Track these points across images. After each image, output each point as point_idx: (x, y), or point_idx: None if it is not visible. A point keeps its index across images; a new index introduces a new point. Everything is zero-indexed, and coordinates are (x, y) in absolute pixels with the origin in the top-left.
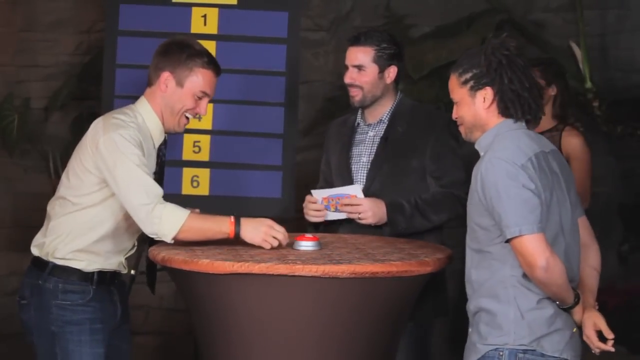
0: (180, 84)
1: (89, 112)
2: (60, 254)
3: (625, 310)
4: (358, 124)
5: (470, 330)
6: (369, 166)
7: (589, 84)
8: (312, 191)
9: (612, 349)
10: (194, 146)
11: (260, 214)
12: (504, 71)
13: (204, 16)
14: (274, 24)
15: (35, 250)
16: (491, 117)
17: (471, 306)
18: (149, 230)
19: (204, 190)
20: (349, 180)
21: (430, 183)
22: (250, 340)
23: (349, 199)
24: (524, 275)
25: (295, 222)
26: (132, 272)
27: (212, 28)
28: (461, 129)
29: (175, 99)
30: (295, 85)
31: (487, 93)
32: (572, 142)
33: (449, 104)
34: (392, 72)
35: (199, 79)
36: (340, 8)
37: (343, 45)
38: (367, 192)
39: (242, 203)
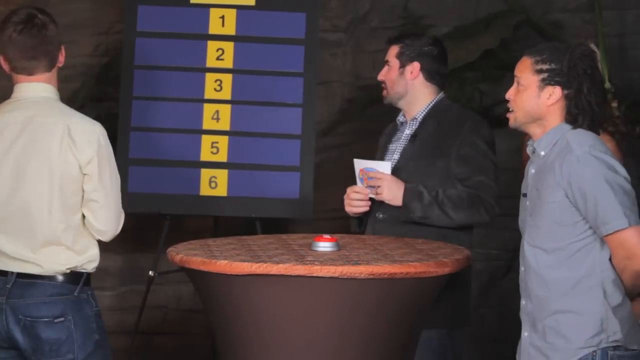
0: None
1: (107, 113)
2: (94, 263)
3: None
4: (401, 122)
5: (525, 334)
6: (395, 163)
7: (607, 85)
8: (355, 160)
9: None
10: (212, 147)
11: (277, 214)
12: (586, 80)
13: (222, 17)
14: (291, 24)
15: (62, 269)
16: (550, 115)
17: (546, 308)
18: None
19: (222, 191)
20: None
21: (456, 185)
22: (268, 341)
23: (375, 172)
24: (614, 271)
25: (312, 224)
26: (151, 272)
27: (230, 29)
28: (510, 115)
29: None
30: (313, 86)
31: (556, 92)
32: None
33: (466, 105)
34: (413, 68)
35: None
36: (357, 9)
37: (361, 45)
38: None
39: (260, 204)
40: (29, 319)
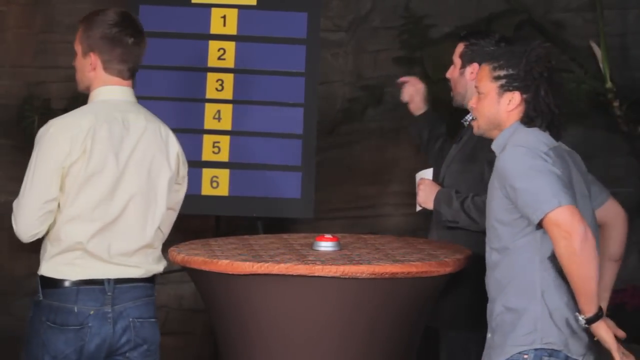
0: None
1: None
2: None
3: None
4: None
5: (489, 335)
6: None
7: (609, 84)
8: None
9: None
10: (214, 147)
11: (279, 214)
12: (543, 83)
13: (224, 17)
14: (293, 24)
15: (158, 269)
16: (510, 119)
17: (495, 307)
18: None
19: (223, 190)
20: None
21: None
22: (270, 340)
23: (421, 179)
24: (556, 273)
25: (314, 223)
26: None
27: (231, 29)
28: (474, 123)
29: None
30: (314, 85)
31: (515, 97)
32: None
33: None
34: (473, 69)
35: None
36: (359, 8)
37: (362, 45)
38: None
39: (262, 203)
40: (139, 319)
